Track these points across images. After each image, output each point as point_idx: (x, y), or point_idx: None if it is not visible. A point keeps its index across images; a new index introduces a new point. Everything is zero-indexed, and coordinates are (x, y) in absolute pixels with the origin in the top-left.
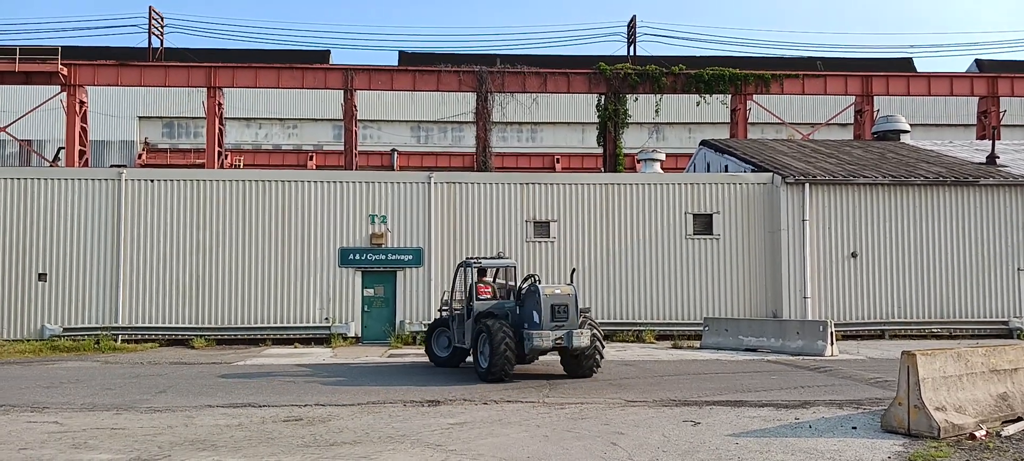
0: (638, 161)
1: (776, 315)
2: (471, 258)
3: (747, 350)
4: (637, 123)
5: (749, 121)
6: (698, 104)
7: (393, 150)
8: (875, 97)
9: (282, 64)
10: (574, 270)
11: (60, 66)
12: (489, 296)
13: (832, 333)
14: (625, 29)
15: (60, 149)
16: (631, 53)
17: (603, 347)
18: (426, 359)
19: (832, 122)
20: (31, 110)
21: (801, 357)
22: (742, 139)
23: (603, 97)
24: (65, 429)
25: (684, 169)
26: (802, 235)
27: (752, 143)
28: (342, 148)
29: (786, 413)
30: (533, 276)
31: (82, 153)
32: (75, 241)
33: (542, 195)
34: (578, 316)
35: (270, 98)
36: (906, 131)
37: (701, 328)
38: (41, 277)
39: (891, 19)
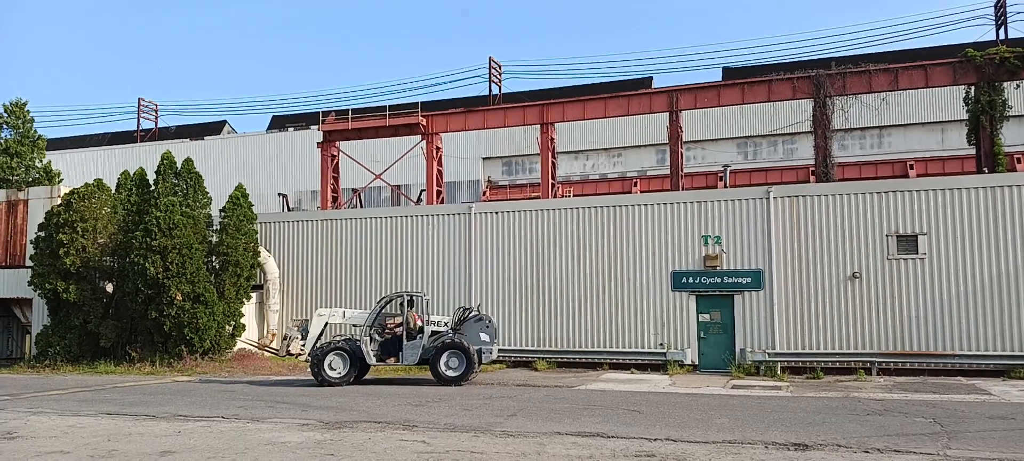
0: (1019, 160)
1: None
2: (399, 293)
3: None
4: (1018, 116)
5: None
6: None
7: (726, 166)
8: None
9: (607, 94)
10: (478, 305)
11: (420, 118)
12: (420, 323)
13: None
14: (992, 10)
15: (422, 191)
16: (1000, 37)
17: None
18: (779, 393)
19: None
20: (399, 158)
21: None
22: None
23: (973, 88)
24: (431, 450)
25: None
26: None
27: None
28: (665, 172)
29: None
30: (467, 308)
31: (439, 193)
32: (435, 268)
33: (906, 204)
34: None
35: (595, 129)
36: None
37: None
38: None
39: None
